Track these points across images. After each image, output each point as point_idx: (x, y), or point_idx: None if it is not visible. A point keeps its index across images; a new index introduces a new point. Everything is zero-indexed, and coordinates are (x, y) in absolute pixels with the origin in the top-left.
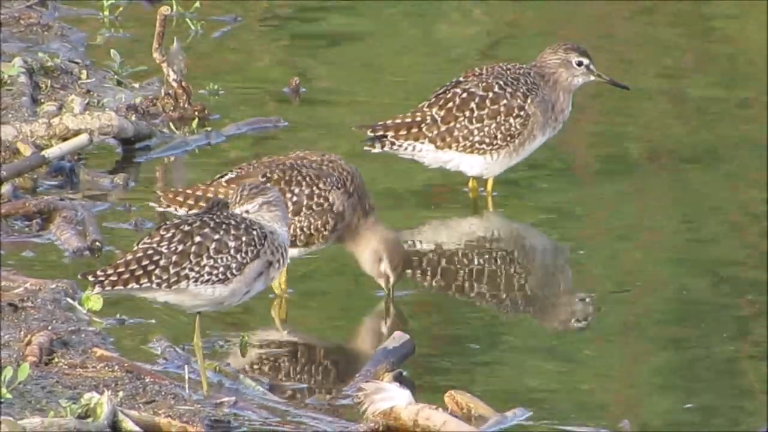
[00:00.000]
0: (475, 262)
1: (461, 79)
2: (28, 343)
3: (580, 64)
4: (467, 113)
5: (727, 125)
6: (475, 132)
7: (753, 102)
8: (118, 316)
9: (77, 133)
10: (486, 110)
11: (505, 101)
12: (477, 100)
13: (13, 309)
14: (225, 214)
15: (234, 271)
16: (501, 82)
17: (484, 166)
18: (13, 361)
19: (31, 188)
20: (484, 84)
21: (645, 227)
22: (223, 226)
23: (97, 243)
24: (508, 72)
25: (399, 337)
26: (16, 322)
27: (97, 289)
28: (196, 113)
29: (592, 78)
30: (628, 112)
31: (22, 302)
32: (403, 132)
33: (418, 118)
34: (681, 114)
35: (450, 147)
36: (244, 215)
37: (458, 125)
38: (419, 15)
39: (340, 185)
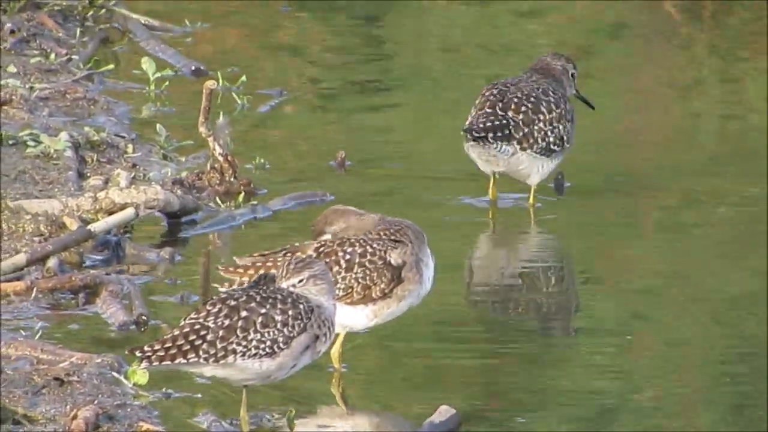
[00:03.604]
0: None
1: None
2: (74, 417)
3: (573, 76)
4: (541, 116)
5: None
6: (549, 134)
7: None
8: (164, 389)
9: (123, 207)
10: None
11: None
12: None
13: (59, 383)
14: (271, 288)
15: (281, 344)
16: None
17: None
18: None
19: (78, 262)
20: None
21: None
22: (270, 300)
23: (144, 317)
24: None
25: (445, 411)
26: (62, 396)
27: (144, 364)
28: (242, 187)
29: (573, 91)
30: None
31: (67, 376)
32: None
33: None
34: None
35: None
36: (291, 289)
37: (536, 128)
38: (459, 90)
39: (397, 245)
